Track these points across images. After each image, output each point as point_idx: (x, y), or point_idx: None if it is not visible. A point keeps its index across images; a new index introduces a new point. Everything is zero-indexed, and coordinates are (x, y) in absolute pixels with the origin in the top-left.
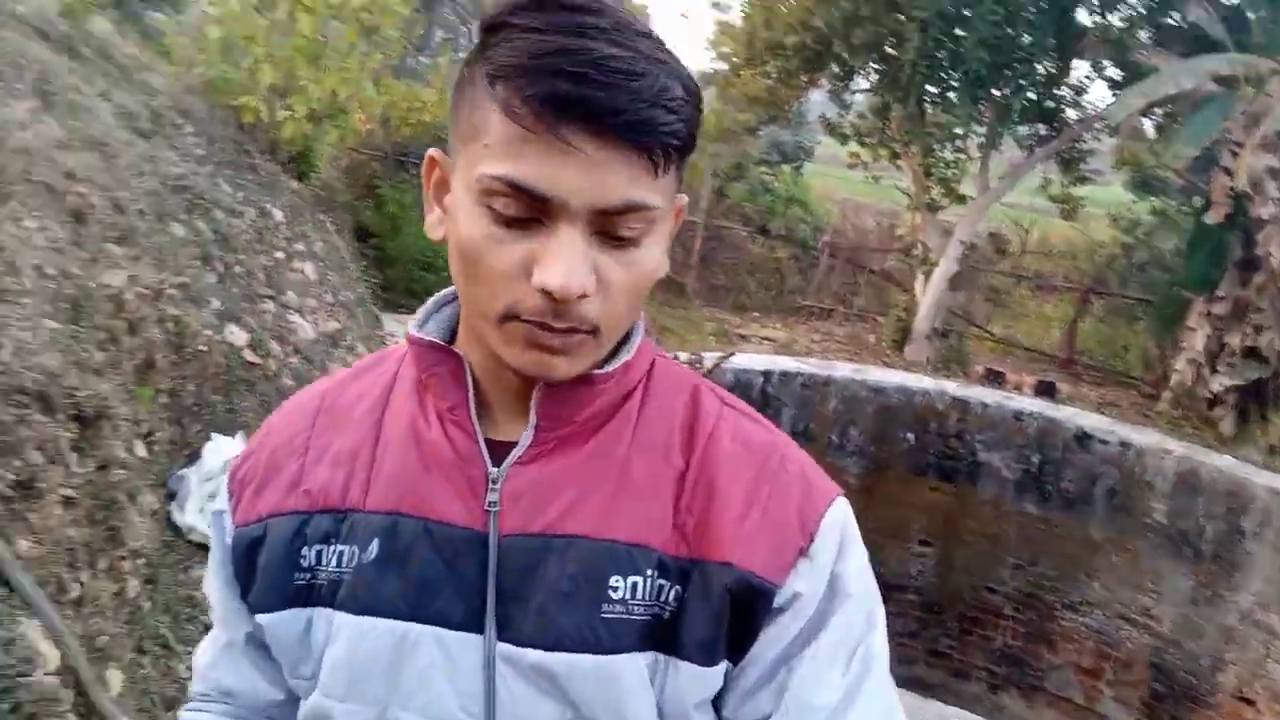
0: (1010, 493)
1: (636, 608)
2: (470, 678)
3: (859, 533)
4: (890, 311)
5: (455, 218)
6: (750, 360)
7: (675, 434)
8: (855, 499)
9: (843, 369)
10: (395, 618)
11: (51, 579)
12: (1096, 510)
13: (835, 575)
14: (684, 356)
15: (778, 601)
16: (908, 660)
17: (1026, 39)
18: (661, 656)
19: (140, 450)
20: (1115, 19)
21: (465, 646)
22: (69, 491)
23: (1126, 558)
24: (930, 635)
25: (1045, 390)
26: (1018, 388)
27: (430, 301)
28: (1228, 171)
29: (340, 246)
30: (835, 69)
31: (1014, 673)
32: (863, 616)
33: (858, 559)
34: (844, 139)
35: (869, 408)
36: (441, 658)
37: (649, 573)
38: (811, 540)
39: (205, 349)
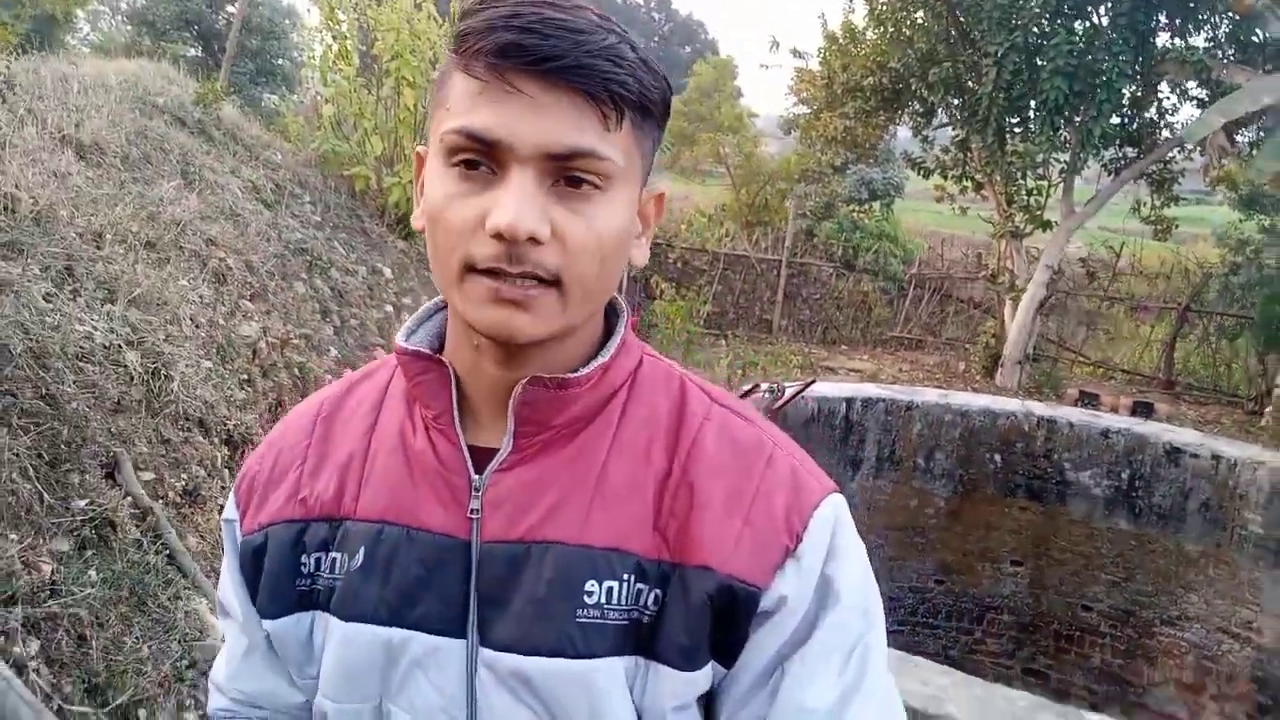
0: (1101, 510)
1: (612, 612)
2: (453, 682)
3: (853, 529)
4: (979, 339)
5: (427, 188)
6: (832, 389)
7: (659, 435)
8: (943, 521)
9: (926, 394)
10: (380, 624)
11: (213, 571)
12: (1190, 524)
13: (826, 576)
14: (764, 385)
15: (764, 605)
16: (1004, 680)
17: (1104, 65)
18: (641, 660)
19: None
20: (1199, 39)
21: (448, 652)
22: (224, 500)
23: (1224, 570)
24: (1026, 655)
25: (1142, 410)
26: (1114, 409)
27: (420, 310)
28: None
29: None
30: (916, 106)
31: (1114, 690)
32: (858, 616)
33: (851, 558)
34: (927, 173)
35: (954, 431)
36: (426, 661)
37: (626, 577)
38: (799, 541)
39: None
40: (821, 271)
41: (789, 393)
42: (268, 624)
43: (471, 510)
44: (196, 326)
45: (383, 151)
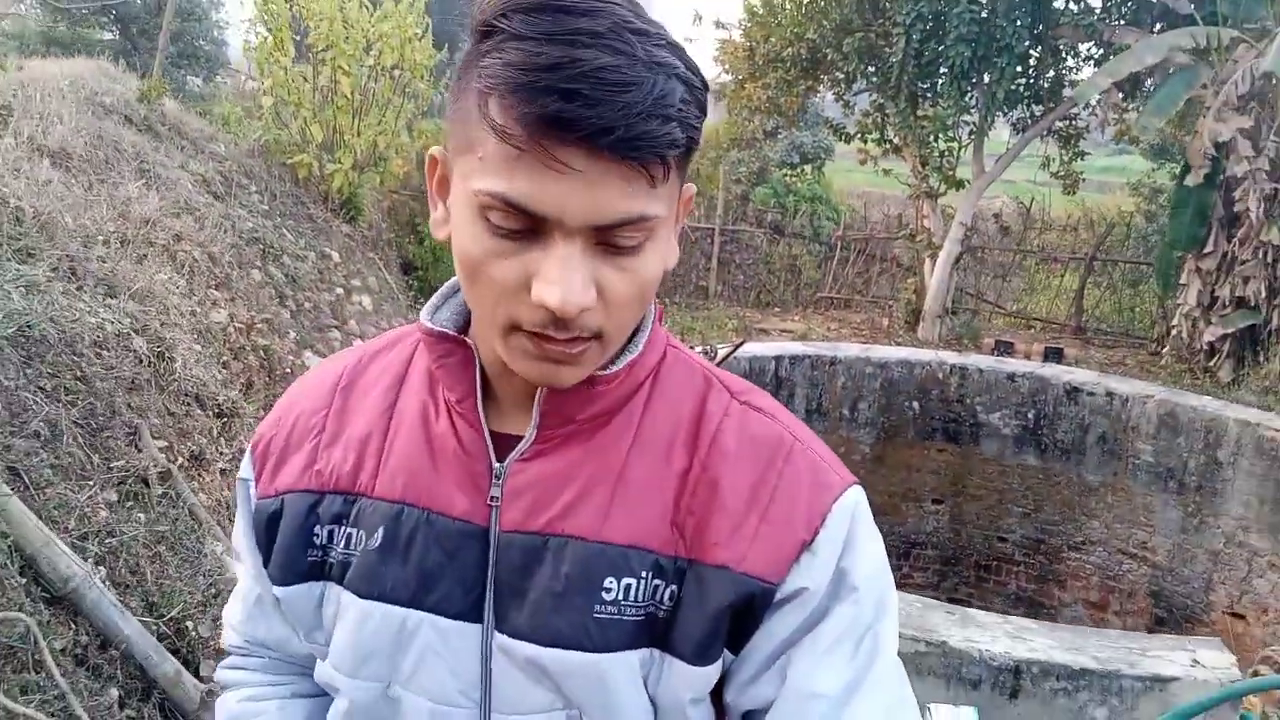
0: (1010, 448)
1: (630, 608)
2: (468, 665)
3: (871, 522)
4: (900, 295)
5: (456, 225)
6: (762, 348)
7: (680, 431)
8: (869, 466)
9: (848, 349)
10: (396, 604)
11: (226, 520)
12: (1090, 456)
13: (841, 569)
14: (698, 348)
15: (779, 596)
16: None
17: (1005, 31)
18: (656, 652)
19: None
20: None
21: (463, 635)
22: (223, 465)
23: (1121, 497)
24: (949, 585)
25: (1051, 356)
26: (1027, 356)
27: (445, 286)
28: (1200, 135)
29: (390, 279)
30: (835, 74)
31: (1030, 613)
32: (870, 605)
33: (868, 549)
34: (848, 138)
35: (875, 382)
36: (440, 645)
37: (644, 574)
38: (815, 534)
39: (290, 371)
40: (753, 238)
41: (721, 354)
42: (278, 590)
43: (491, 497)
44: (181, 315)
45: (323, 139)
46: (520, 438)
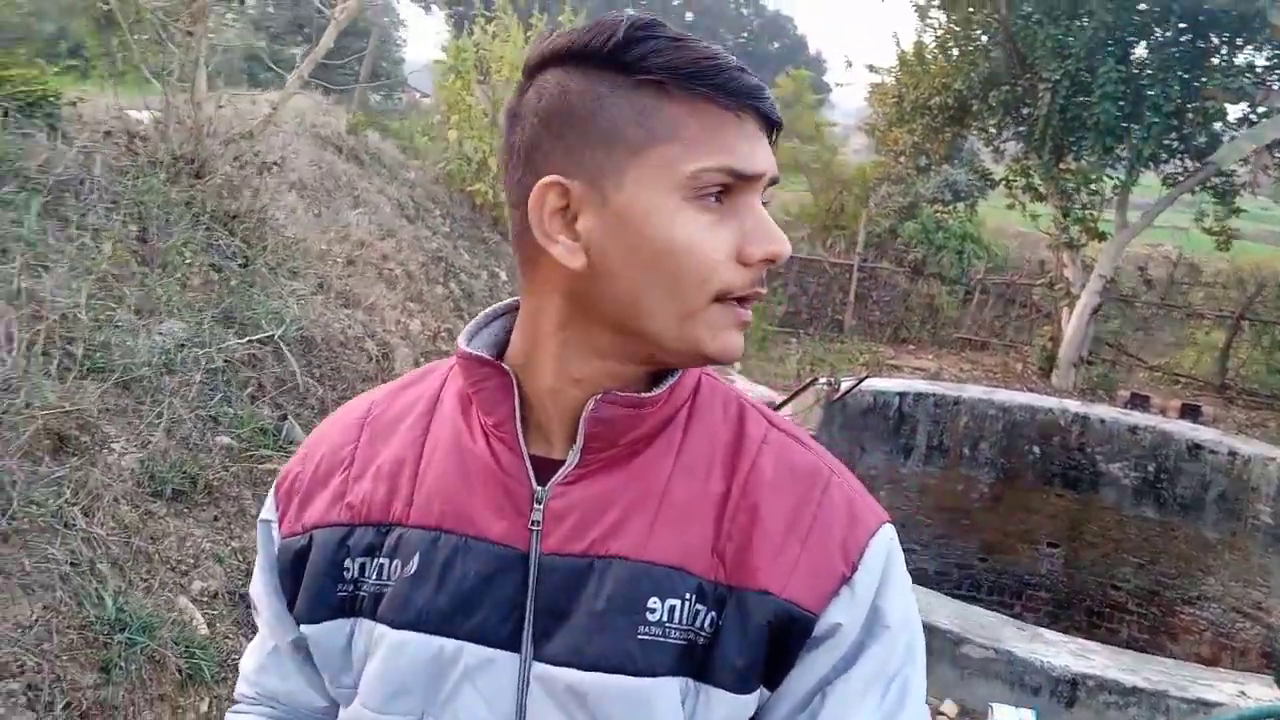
0: (1129, 499)
1: (673, 631)
2: (504, 697)
3: (903, 561)
4: (1036, 340)
5: (650, 224)
6: (887, 384)
7: (718, 456)
8: (987, 505)
9: (972, 390)
10: (433, 633)
11: None
12: (1209, 514)
13: (876, 607)
14: (822, 379)
15: (817, 631)
16: None
17: (1153, 91)
18: (693, 682)
19: None
20: (1255, 57)
21: (501, 665)
22: None
23: (1238, 556)
24: (1060, 628)
25: (1189, 413)
26: (1163, 412)
27: (480, 316)
28: None
29: None
30: (981, 123)
31: None
32: (902, 648)
33: (900, 589)
34: (993, 184)
35: (997, 424)
36: (477, 674)
37: (687, 596)
38: (854, 570)
39: None
40: (892, 275)
41: (844, 386)
42: (306, 629)
43: (533, 521)
44: (393, 323)
45: (498, 171)
46: (557, 462)
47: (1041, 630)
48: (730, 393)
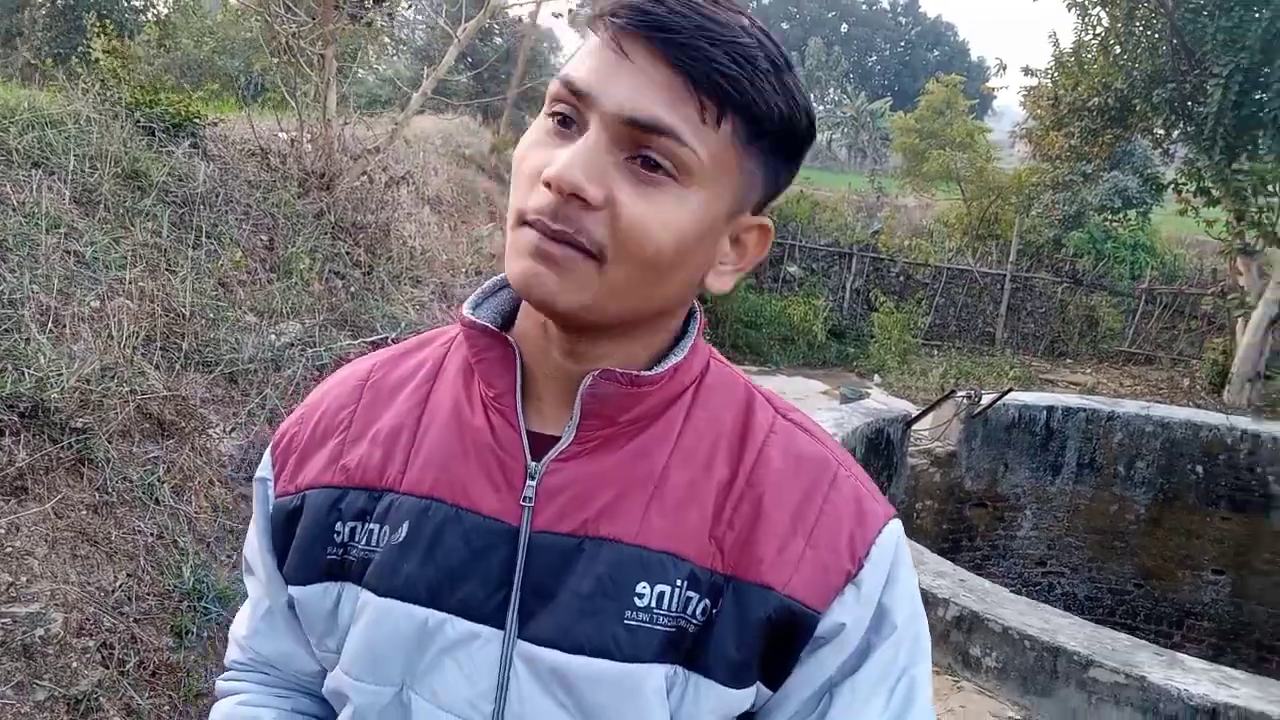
0: None
1: (661, 617)
2: (485, 673)
3: (910, 557)
4: (1205, 355)
5: None
6: (1033, 398)
7: (722, 444)
8: (1143, 528)
9: (1127, 405)
10: (418, 603)
11: None
12: None
13: (882, 605)
14: (960, 393)
15: (820, 630)
16: None
17: None
18: (681, 670)
19: None
20: None
21: (484, 640)
22: None
23: None
24: (1226, 661)
25: None
26: None
27: (488, 284)
28: None
29: None
30: (1145, 124)
31: None
32: (908, 647)
33: (907, 586)
34: (1161, 188)
35: (1155, 442)
36: (459, 648)
37: (678, 583)
38: (860, 567)
39: None
40: (1048, 286)
41: (985, 400)
42: (293, 590)
43: (525, 497)
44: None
45: None
46: (554, 437)
47: (1181, 656)
48: (738, 379)
